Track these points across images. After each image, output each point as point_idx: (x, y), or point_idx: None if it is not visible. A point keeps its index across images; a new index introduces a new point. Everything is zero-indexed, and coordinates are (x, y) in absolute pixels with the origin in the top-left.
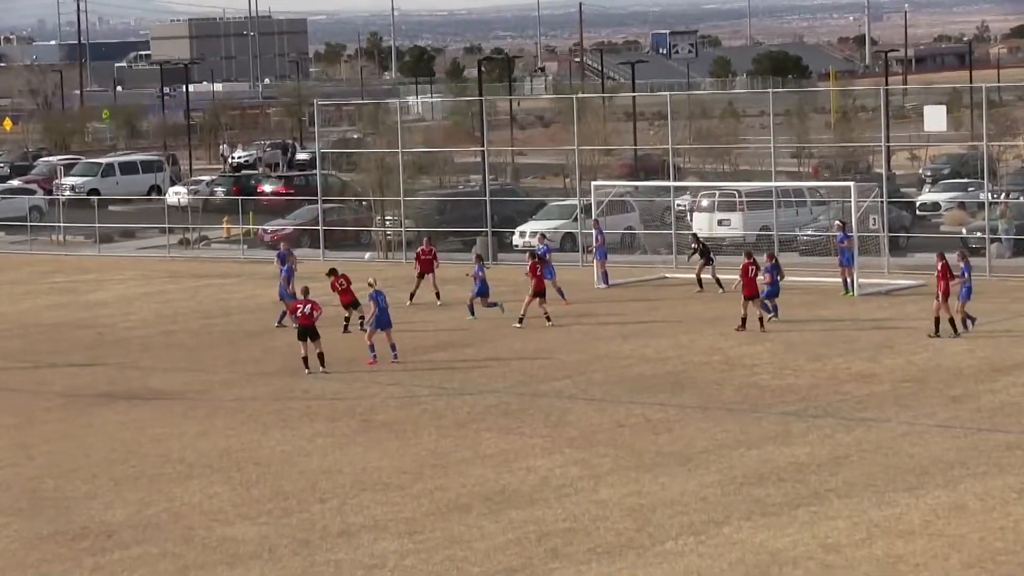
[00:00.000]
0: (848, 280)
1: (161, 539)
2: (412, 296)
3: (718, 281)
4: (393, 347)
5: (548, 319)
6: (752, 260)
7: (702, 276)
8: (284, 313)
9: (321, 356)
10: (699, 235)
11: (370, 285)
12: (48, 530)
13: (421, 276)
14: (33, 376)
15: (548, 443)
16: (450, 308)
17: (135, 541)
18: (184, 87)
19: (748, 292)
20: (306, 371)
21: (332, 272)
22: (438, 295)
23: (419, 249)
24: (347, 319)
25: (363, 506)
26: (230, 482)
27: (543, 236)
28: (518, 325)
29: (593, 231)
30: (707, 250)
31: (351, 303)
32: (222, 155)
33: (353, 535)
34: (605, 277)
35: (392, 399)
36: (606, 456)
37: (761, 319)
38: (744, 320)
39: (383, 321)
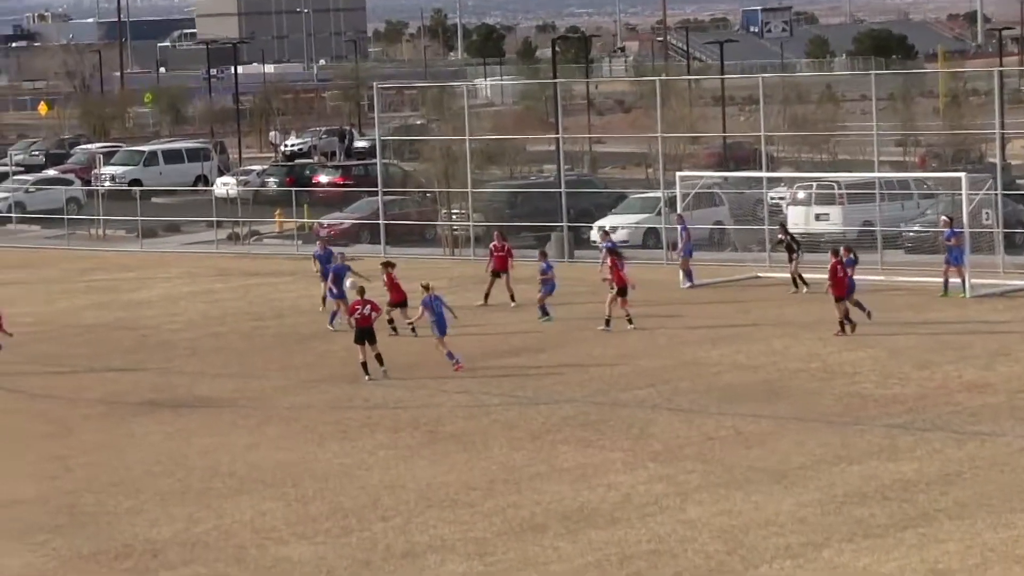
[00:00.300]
0: (950, 280)
1: (210, 559)
2: (487, 296)
3: (798, 279)
4: (450, 355)
5: (630, 321)
6: (840, 259)
7: (795, 273)
8: (334, 314)
9: (379, 357)
10: (787, 227)
11: (425, 289)
12: (89, 548)
13: (496, 275)
14: (70, 382)
15: (630, 457)
16: (523, 309)
17: (182, 561)
18: (232, 68)
19: (838, 293)
20: (366, 377)
21: (388, 265)
22: (512, 296)
23: (492, 244)
24: (391, 321)
25: (429, 525)
26: (284, 498)
27: (605, 233)
28: (605, 328)
29: (679, 227)
30: (795, 243)
31: (401, 302)
32: (272, 143)
33: (418, 556)
34: (690, 276)
35: (460, 408)
36: (693, 472)
37: (843, 322)
38: (843, 323)
39: (440, 328)
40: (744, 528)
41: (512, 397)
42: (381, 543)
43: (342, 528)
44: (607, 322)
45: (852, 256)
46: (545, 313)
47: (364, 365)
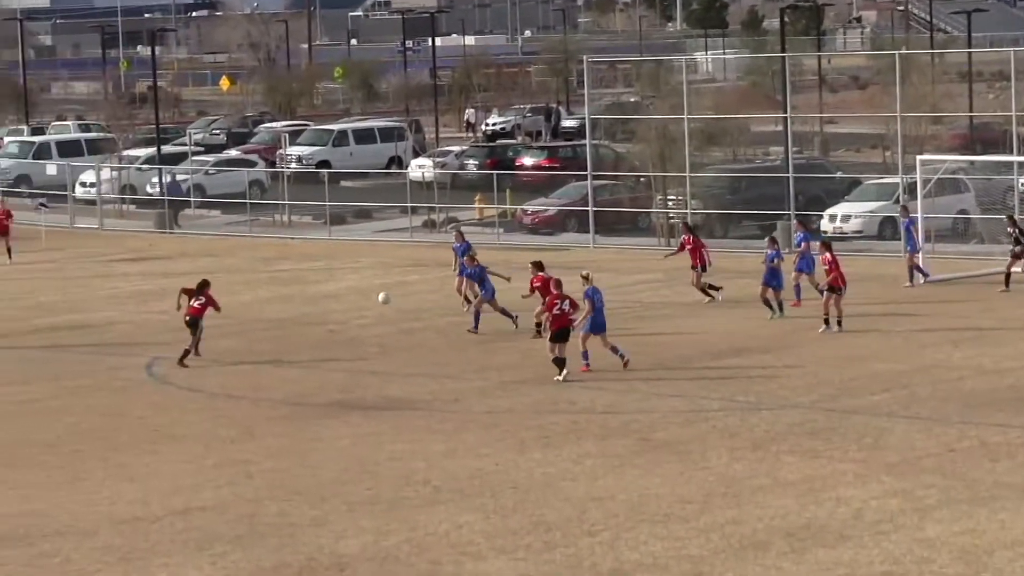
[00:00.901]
0: None
1: (402, 574)
2: (706, 290)
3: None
4: (615, 350)
5: (839, 324)
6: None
7: (1012, 271)
8: (478, 316)
9: (563, 360)
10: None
11: (585, 280)
12: (271, 561)
13: (694, 268)
14: (253, 381)
15: (862, 469)
16: (745, 305)
17: None
18: (430, 40)
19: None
20: (557, 376)
21: (537, 265)
22: (714, 289)
23: (683, 238)
24: (539, 324)
25: (640, 541)
26: (483, 509)
27: (802, 224)
28: (836, 329)
29: (903, 220)
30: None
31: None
32: (468, 122)
33: (628, 575)
34: (921, 272)
35: (675, 414)
36: (932, 486)
37: None
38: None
39: (598, 324)
40: (988, 549)
41: (732, 402)
42: (587, 560)
43: (545, 543)
44: (826, 322)
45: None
46: (772, 308)
47: (558, 361)
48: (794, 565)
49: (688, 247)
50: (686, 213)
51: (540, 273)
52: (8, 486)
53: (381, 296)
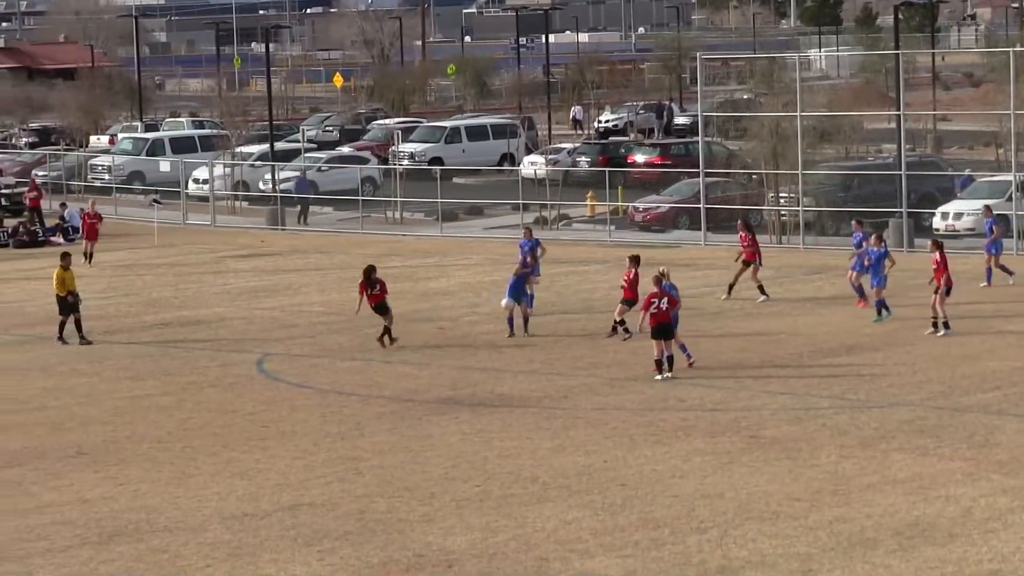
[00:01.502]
0: None
1: (509, 571)
2: (730, 288)
3: (1005, 268)
4: (683, 348)
5: (946, 325)
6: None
7: None
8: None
9: (670, 359)
10: None
11: (662, 276)
12: (379, 558)
13: (747, 264)
14: (363, 377)
15: (972, 467)
16: (852, 305)
17: (479, 573)
18: (544, 37)
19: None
20: (658, 376)
21: (634, 260)
22: (761, 289)
23: (740, 234)
24: (622, 322)
25: (748, 538)
26: (591, 506)
27: (858, 223)
28: (933, 331)
29: (986, 220)
30: None
31: (630, 300)
32: (575, 119)
33: (736, 572)
34: (989, 275)
35: (784, 411)
36: None
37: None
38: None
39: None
40: None
41: (842, 400)
42: (695, 557)
43: (652, 540)
44: (935, 324)
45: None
46: (879, 311)
47: (658, 363)
48: (902, 563)
49: (745, 245)
50: (798, 211)
51: (635, 269)
52: (119, 482)
53: (504, 301)
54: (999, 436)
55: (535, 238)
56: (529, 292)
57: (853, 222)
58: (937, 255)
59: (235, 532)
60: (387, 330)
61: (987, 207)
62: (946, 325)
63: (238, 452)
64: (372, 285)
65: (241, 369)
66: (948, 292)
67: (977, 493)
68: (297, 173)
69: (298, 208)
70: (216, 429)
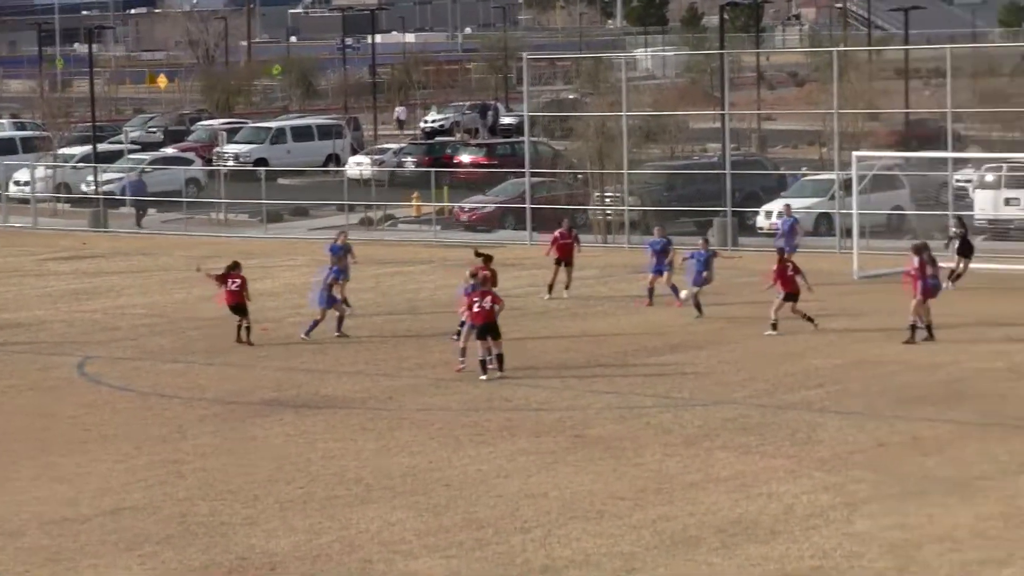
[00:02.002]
0: None
1: (333, 573)
2: (550, 288)
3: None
4: (497, 357)
5: (810, 320)
6: (923, 257)
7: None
8: (316, 323)
9: (500, 358)
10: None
11: (472, 277)
12: (201, 561)
13: (559, 264)
14: (185, 380)
15: (794, 465)
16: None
17: (303, 575)
18: (370, 37)
19: (924, 294)
20: (482, 376)
21: (485, 257)
22: (568, 286)
23: (557, 232)
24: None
25: (572, 537)
26: (415, 507)
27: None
28: (772, 332)
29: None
30: (969, 245)
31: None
32: (398, 120)
33: (559, 571)
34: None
35: (609, 410)
36: (863, 481)
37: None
38: (914, 329)
39: None
40: (917, 543)
41: (667, 398)
42: (519, 557)
43: (477, 540)
44: (774, 326)
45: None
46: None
47: (483, 363)
48: (725, 560)
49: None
50: (623, 210)
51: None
52: None
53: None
54: (821, 433)
55: (347, 243)
56: (339, 296)
57: (783, 206)
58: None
59: (54, 537)
60: (247, 329)
61: (787, 205)
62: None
63: (58, 456)
64: (228, 279)
65: (61, 372)
66: (793, 299)
67: (799, 490)
68: (121, 175)
69: (134, 210)
70: (36, 433)
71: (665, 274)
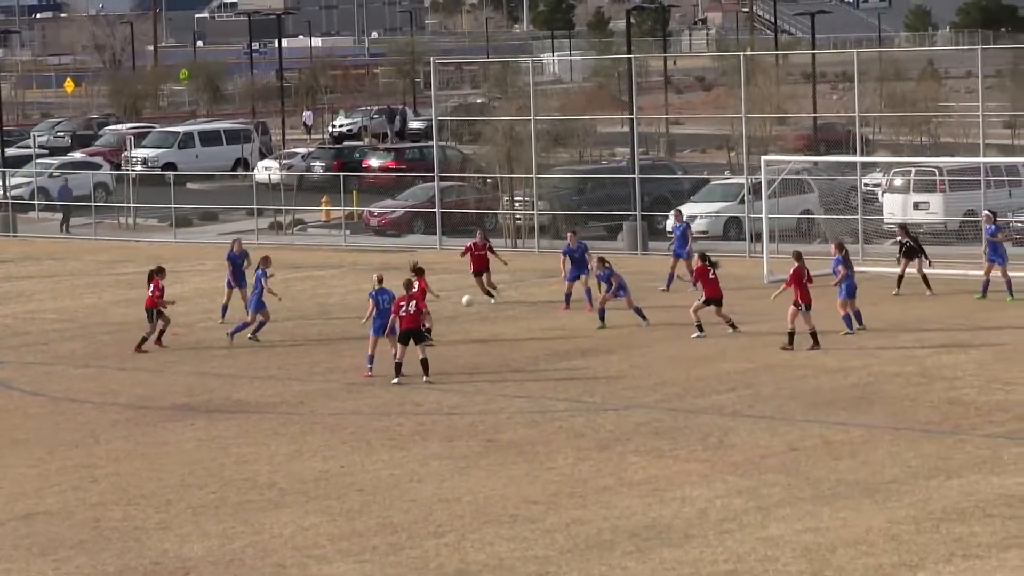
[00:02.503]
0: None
1: None
2: (489, 294)
3: (925, 280)
4: (422, 363)
5: (733, 326)
6: (802, 260)
7: (906, 273)
8: (245, 325)
9: (425, 363)
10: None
11: (379, 282)
12: (115, 566)
13: (478, 275)
14: (97, 384)
15: (707, 469)
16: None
17: None
18: (276, 42)
19: (803, 298)
20: (395, 380)
21: (418, 272)
22: (491, 293)
23: (471, 243)
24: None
25: (486, 542)
26: (328, 512)
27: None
28: (700, 334)
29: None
30: (918, 248)
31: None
32: (304, 124)
33: None
34: (669, 279)
35: (521, 415)
36: (776, 485)
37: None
38: (792, 336)
39: (379, 327)
40: (831, 547)
41: (579, 402)
42: (433, 562)
43: (390, 545)
44: (699, 327)
45: (844, 255)
46: (602, 318)
47: (399, 366)
48: (639, 564)
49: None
50: (532, 214)
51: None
52: None
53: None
54: (733, 437)
55: (244, 249)
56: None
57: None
58: (700, 265)
59: None
60: (152, 338)
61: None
62: (732, 325)
63: None
64: (149, 286)
65: None
66: (715, 303)
67: (712, 494)
68: (29, 180)
69: (69, 215)
70: None
71: (582, 277)
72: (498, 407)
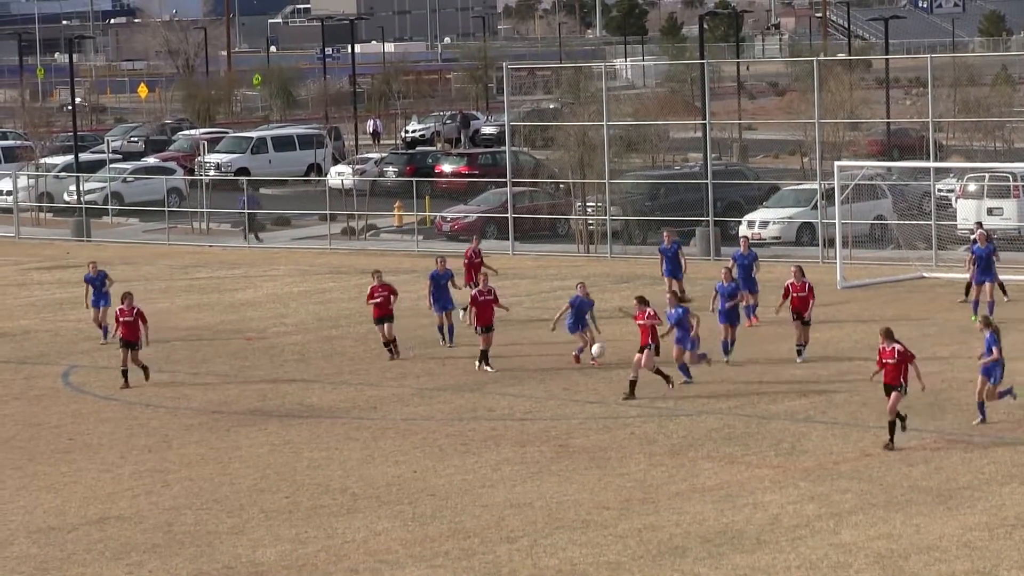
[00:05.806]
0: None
1: None
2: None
3: (1001, 287)
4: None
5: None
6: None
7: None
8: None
9: (394, 342)
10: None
11: (374, 276)
12: (187, 571)
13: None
14: (170, 390)
15: (779, 475)
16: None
17: None
18: (350, 47)
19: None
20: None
21: (376, 273)
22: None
23: (469, 250)
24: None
25: (558, 547)
26: (400, 517)
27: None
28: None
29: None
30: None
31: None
32: (371, 132)
33: None
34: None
35: (593, 420)
36: (849, 491)
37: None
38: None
39: (575, 326)
40: (904, 553)
41: (651, 408)
42: (505, 567)
43: (463, 550)
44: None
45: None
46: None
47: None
48: (711, 570)
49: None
50: (605, 220)
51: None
52: None
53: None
54: (805, 443)
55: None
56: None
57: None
58: (792, 281)
59: (42, 546)
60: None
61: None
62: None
63: (44, 465)
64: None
65: (46, 382)
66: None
67: (785, 500)
68: (103, 184)
69: (248, 225)
70: (21, 442)
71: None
72: (570, 413)
